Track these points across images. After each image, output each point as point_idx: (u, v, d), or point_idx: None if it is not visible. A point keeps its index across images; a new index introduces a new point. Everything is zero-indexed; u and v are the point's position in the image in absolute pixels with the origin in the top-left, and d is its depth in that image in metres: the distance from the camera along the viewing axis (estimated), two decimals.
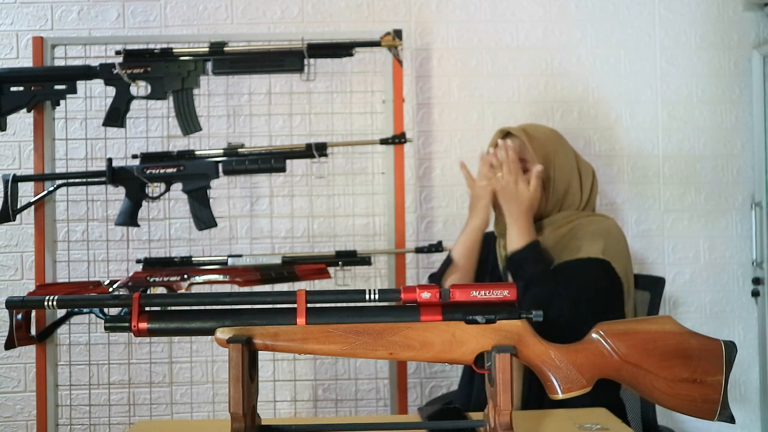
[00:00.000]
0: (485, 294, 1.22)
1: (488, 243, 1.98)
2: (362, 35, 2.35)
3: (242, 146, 2.26)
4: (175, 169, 2.23)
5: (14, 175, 2.22)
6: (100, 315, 1.25)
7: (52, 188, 2.28)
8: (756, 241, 2.66)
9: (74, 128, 2.59)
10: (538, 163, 1.87)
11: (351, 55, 2.28)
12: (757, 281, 2.66)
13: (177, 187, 2.26)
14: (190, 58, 2.25)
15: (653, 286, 1.95)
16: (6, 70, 2.31)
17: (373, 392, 2.62)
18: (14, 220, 2.24)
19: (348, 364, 2.62)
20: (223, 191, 2.58)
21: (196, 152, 2.26)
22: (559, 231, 1.85)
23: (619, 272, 1.77)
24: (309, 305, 1.22)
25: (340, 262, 2.28)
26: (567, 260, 1.76)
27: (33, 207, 2.30)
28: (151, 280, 2.18)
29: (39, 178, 2.29)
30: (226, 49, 2.24)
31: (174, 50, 2.25)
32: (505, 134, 1.94)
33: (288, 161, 2.27)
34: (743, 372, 2.68)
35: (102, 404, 2.56)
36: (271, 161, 2.25)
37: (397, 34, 2.30)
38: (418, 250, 2.40)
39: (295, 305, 1.22)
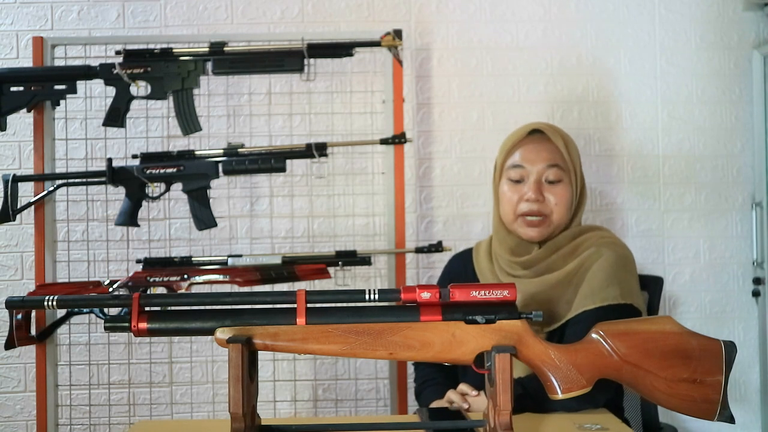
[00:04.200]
0: (485, 294, 1.22)
1: (459, 264, 1.93)
2: (362, 35, 2.35)
3: (242, 146, 2.26)
4: (175, 169, 2.23)
5: (14, 175, 2.22)
6: (100, 315, 1.25)
7: (52, 188, 2.28)
8: (756, 241, 2.66)
9: (74, 128, 2.59)
10: (573, 171, 1.76)
11: (351, 55, 2.28)
12: (757, 281, 2.66)
13: (177, 187, 2.27)
14: (190, 58, 2.25)
15: (652, 286, 1.94)
16: (6, 70, 2.31)
17: (373, 392, 2.62)
18: (14, 220, 2.24)
19: (348, 364, 2.62)
20: (223, 191, 2.57)
21: (196, 152, 2.26)
22: (569, 264, 1.72)
23: (639, 306, 1.68)
24: (309, 305, 1.22)
25: (340, 262, 2.28)
26: (587, 309, 1.65)
27: (33, 207, 2.30)
28: (151, 280, 2.18)
29: (39, 178, 2.29)
30: (226, 49, 2.25)
31: (174, 50, 2.25)
32: (532, 131, 1.79)
33: (288, 161, 2.27)
34: (743, 372, 2.68)
35: (102, 404, 2.56)
36: (271, 161, 2.25)
37: (397, 34, 2.30)
38: (418, 250, 2.40)
39: (295, 305, 1.22)
